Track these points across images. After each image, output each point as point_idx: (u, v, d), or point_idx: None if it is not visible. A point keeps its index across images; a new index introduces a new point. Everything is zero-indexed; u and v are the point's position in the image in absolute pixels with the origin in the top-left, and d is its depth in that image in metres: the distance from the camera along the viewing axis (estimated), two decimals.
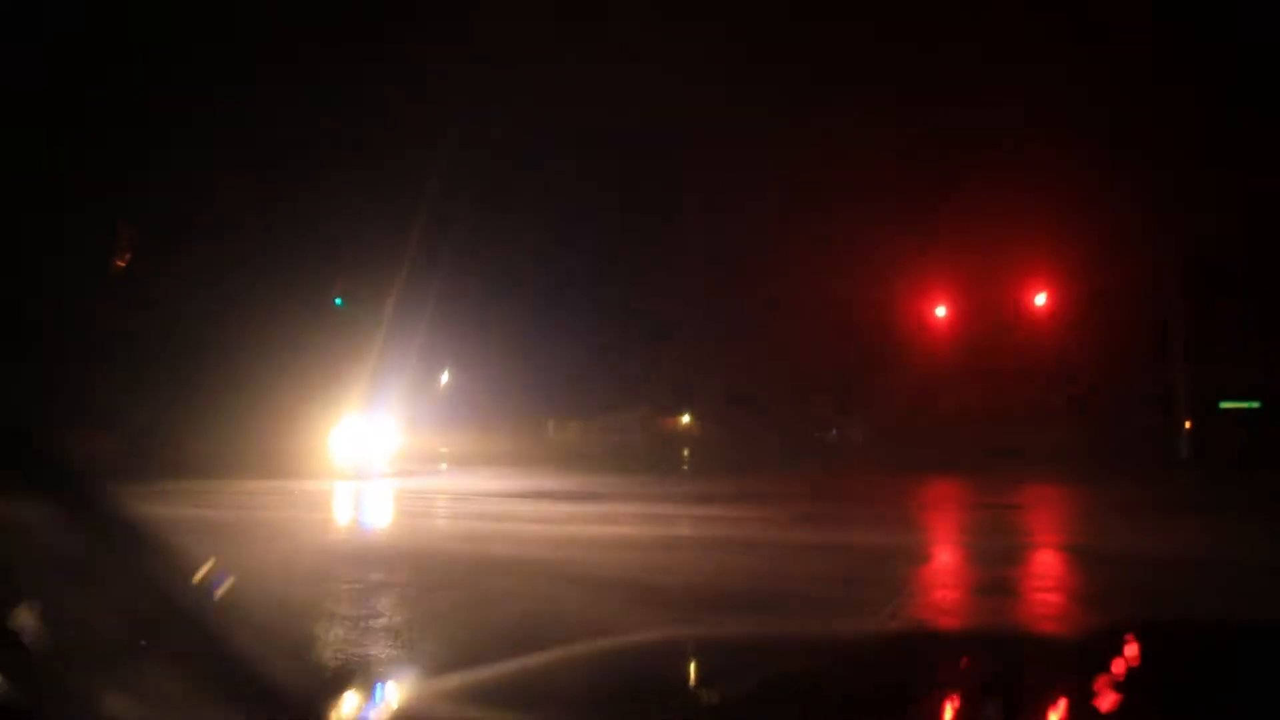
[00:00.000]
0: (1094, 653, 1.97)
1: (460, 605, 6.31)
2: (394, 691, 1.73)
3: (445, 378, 39.89)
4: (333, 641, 5.18)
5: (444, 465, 24.96)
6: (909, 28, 31.80)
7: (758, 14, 30.06)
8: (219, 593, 1.36)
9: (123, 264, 22.94)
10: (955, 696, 1.72)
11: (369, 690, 1.58)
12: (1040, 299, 31.12)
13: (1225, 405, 30.69)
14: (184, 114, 23.62)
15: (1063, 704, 1.66)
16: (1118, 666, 1.83)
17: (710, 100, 29.64)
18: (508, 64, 28.38)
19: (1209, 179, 27.41)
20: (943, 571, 8.80)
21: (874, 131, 30.80)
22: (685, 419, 42.42)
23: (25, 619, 1.15)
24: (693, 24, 28.90)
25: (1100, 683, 1.69)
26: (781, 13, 30.45)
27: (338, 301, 27.10)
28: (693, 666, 2.00)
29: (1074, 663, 1.95)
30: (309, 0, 26.10)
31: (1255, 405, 30.61)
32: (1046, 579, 8.18)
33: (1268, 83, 25.46)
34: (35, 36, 19.97)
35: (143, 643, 1.28)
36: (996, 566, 8.30)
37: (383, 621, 5.70)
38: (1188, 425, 28.23)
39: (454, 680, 1.71)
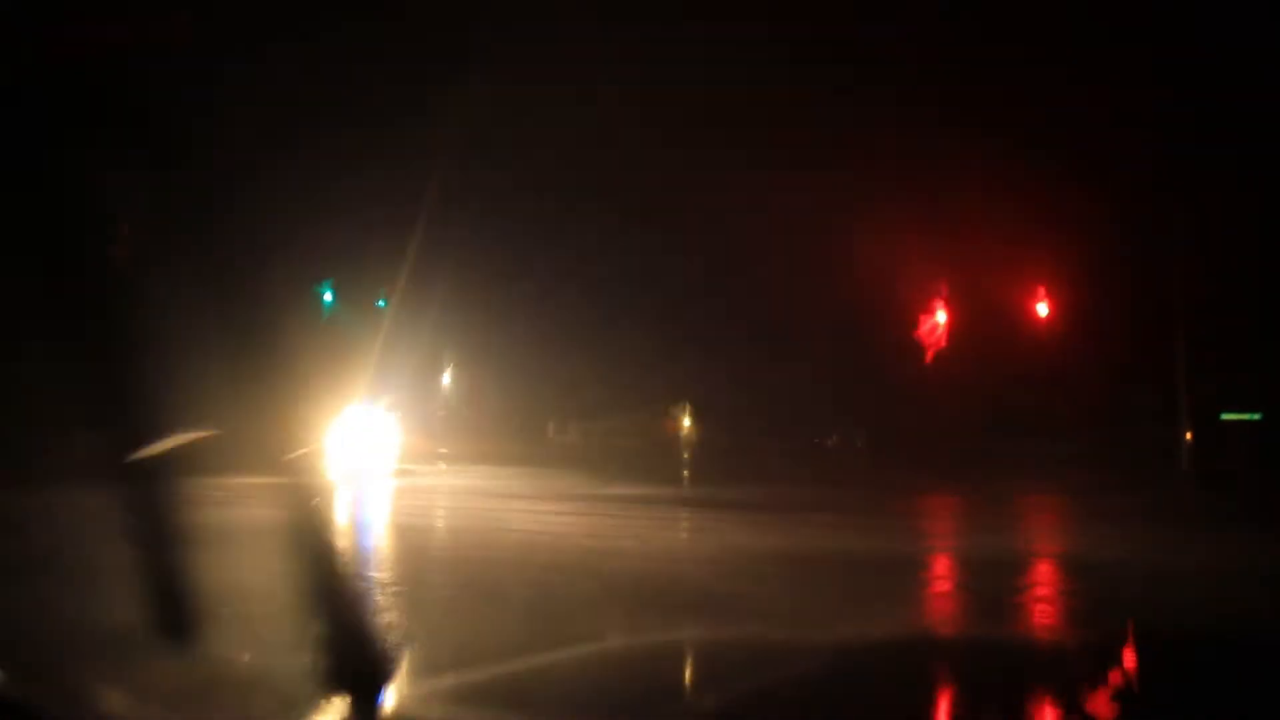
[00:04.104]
0: (1082, 661, 1.99)
1: (456, 604, 6.32)
2: (392, 691, 1.74)
3: (446, 379, 39.98)
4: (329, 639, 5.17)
5: (443, 466, 24.99)
6: (905, 36, 31.86)
7: (753, 20, 30.12)
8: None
9: (123, 256, 22.87)
10: (941, 704, 1.74)
11: (366, 689, 1.59)
12: (1041, 307, 31.14)
13: (1226, 417, 30.63)
14: (181, 106, 23.53)
15: (1049, 713, 1.67)
16: (1106, 675, 1.84)
17: (714, 108, 29.70)
18: (511, 67, 28.39)
19: (1213, 187, 27.41)
20: (932, 578, 8.80)
21: (875, 137, 30.88)
22: (686, 423, 42.38)
23: None
24: (694, 32, 29.01)
25: (1087, 691, 1.70)
26: (774, 20, 30.51)
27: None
28: (689, 670, 2.01)
29: (1063, 671, 1.97)
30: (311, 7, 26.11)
31: (1257, 417, 30.56)
32: (1037, 587, 8.19)
33: (1271, 93, 25.47)
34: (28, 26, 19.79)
35: None
36: (987, 574, 8.30)
37: (377, 619, 5.70)
38: (1189, 436, 28.18)
39: (450, 680, 1.73)
